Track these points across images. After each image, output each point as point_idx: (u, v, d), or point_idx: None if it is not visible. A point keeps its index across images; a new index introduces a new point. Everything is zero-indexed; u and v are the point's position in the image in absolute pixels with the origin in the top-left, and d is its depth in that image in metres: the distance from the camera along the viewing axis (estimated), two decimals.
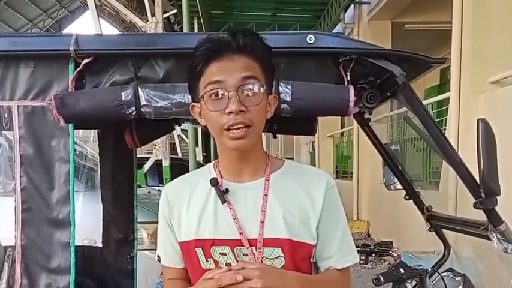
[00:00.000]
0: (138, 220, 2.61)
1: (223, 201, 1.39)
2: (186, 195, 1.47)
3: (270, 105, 1.40)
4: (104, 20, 18.27)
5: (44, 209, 1.69)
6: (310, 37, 1.61)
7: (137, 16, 9.96)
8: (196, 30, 11.62)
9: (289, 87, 1.59)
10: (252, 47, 1.33)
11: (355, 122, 9.66)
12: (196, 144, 11.25)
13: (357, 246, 1.56)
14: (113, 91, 1.65)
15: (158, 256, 1.56)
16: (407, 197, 2.41)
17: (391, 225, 7.44)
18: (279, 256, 1.37)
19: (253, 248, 1.36)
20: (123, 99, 1.62)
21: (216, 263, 1.39)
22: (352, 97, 1.58)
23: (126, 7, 11.65)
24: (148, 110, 1.64)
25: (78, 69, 1.65)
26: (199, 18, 11.12)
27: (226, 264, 1.37)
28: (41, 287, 1.69)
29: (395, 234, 6.53)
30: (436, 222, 2.35)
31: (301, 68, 1.64)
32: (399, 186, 2.41)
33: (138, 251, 2.62)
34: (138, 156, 2.64)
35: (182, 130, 13.60)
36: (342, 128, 12.31)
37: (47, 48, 1.68)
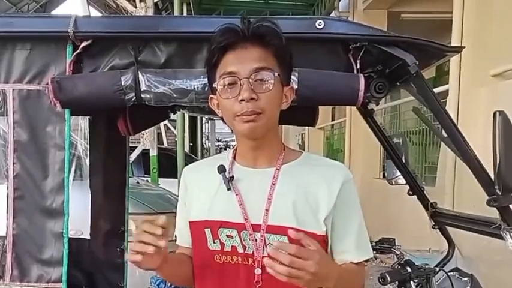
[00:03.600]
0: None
1: (229, 187, 1.42)
2: (202, 177, 1.53)
3: (286, 96, 1.41)
4: (89, 4, 17.87)
5: (37, 198, 1.65)
6: (320, 22, 1.55)
7: (126, 0, 9.76)
8: None
9: (296, 74, 1.54)
10: (266, 36, 1.35)
11: (347, 114, 9.60)
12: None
13: None
14: (112, 76, 1.60)
15: (175, 236, 1.61)
16: (411, 192, 2.36)
17: (383, 220, 7.38)
18: None
19: (257, 234, 1.39)
20: (122, 84, 1.58)
21: (222, 245, 1.42)
22: (362, 86, 1.54)
23: None
24: (148, 96, 1.60)
25: (76, 52, 1.60)
26: (189, 4, 10.97)
27: (232, 247, 1.41)
28: (33, 278, 1.65)
29: (387, 230, 6.46)
30: (441, 220, 2.29)
31: (309, 54, 1.58)
32: (401, 180, 2.35)
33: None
34: None
35: (169, 120, 13.46)
36: (332, 120, 12.25)
37: (44, 29, 1.63)
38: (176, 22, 1.71)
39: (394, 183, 2.40)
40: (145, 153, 8.98)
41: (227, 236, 1.41)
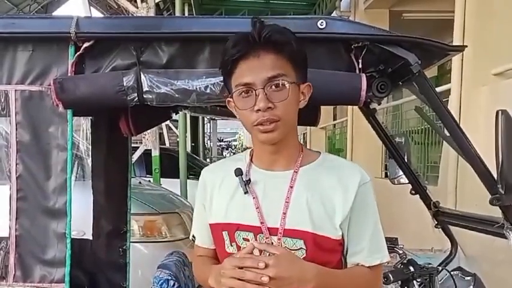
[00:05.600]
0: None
1: (246, 191, 1.42)
2: (220, 179, 1.52)
3: (303, 94, 1.40)
4: (90, 5, 17.78)
5: (40, 198, 1.65)
6: (322, 22, 1.55)
7: (127, 1, 9.74)
8: None
9: None
10: (279, 43, 1.32)
11: (349, 113, 9.59)
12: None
13: None
14: (114, 76, 1.60)
15: (193, 236, 1.63)
16: (413, 192, 2.35)
17: (385, 219, 7.33)
18: (301, 248, 1.37)
19: (274, 237, 1.38)
20: (124, 84, 1.58)
21: (239, 248, 1.42)
22: (364, 86, 1.54)
23: None
24: (150, 96, 1.59)
25: (78, 53, 1.60)
26: (190, 5, 10.92)
27: None
28: (35, 278, 1.65)
29: (389, 229, 6.42)
30: (444, 219, 2.29)
31: (311, 54, 1.57)
32: (403, 180, 2.34)
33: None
34: None
35: (170, 120, 13.40)
36: (334, 120, 12.22)
37: (46, 30, 1.62)
38: (178, 22, 1.71)
39: (396, 182, 2.39)
40: (147, 154, 8.91)
41: (243, 239, 1.41)
